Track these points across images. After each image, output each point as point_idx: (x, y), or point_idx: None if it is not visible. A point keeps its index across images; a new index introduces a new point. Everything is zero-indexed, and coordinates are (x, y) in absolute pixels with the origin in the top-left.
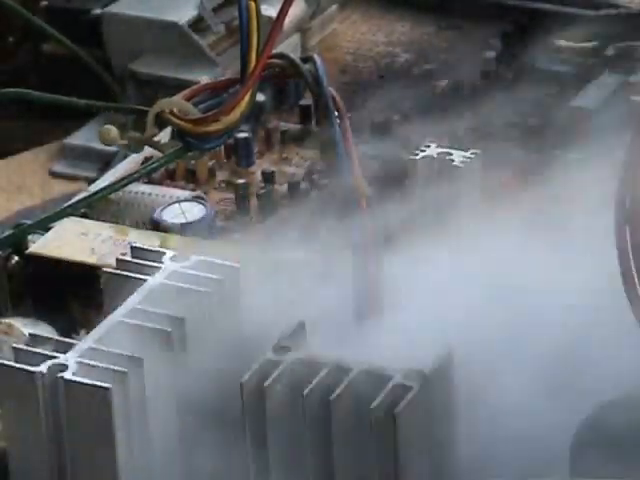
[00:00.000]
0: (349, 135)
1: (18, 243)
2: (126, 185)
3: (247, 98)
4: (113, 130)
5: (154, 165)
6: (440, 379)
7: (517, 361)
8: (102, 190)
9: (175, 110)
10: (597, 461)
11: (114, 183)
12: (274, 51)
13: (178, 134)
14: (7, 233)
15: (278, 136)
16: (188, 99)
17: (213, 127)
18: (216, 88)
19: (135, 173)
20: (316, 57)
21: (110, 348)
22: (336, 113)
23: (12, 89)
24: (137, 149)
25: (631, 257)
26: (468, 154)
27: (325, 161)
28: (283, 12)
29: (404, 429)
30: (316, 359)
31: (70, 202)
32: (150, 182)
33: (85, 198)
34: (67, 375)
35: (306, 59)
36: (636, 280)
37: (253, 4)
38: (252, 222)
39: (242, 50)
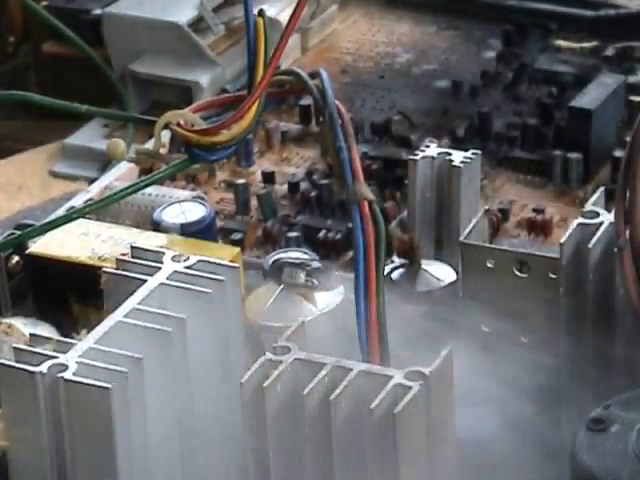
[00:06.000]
0: (353, 143)
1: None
2: (131, 194)
3: (253, 110)
4: (121, 144)
5: (158, 175)
6: (440, 379)
7: None
8: (107, 197)
9: (182, 122)
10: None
11: (119, 190)
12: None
13: (184, 146)
14: (8, 233)
15: (278, 136)
16: (195, 112)
17: (219, 138)
18: (223, 104)
19: (140, 182)
20: (322, 72)
21: (110, 348)
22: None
23: (15, 92)
24: (145, 163)
25: (631, 257)
26: (468, 154)
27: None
28: (289, 28)
29: (404, 429)
30: (316, 359)
31: (76, 208)
32: None
33: (90, 204)
34: (67, 375)
35: (313, 74)
36: (636, 281)
37: (260, 20)
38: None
39: (249, 63)
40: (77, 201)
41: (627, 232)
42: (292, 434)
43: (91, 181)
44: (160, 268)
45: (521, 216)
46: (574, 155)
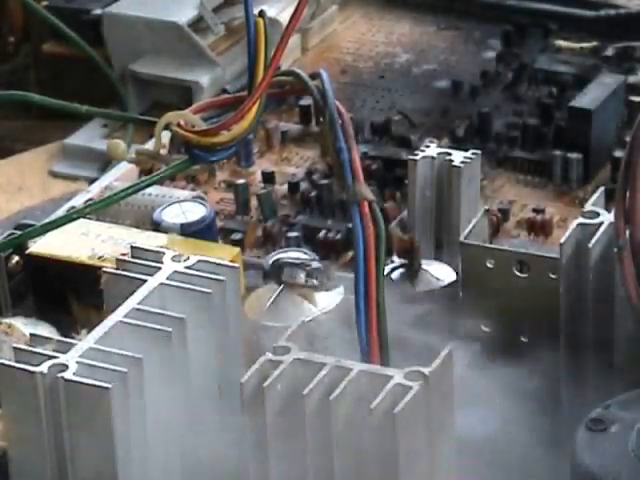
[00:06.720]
0: (353, 144)
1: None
2: (131, 194)
3: (254, 110)
4: (121, 144)
5: (159, 175)
6: (440, 379)
7: None
8: (108, 198)
9: (182, 122)
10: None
11: (119, 191)
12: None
13: (185, 146)
14: (8, 233)
15: (278, 136)
16: (195, 113)
17: (219, 139)
18: (224, 104)
19: (140, 182)
20: (323, 72)
21: (110, 348)
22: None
23: (15, 92)
24: (145, 164)
25: (631, 257)
26: (468, 154)
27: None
28: (289, 28)
29: (404, 429)
30: (316, 359)
31: (76, 208)
32: None
33: (90, 205)
34: (67, 375)
35: (313, 75)
36: (635, 281)
37: (261, 20)
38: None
39: (249, 64)
40: (77, 201)
41: (627, 232)
42: (292, 434)
43: (91, 181)
44: (160, 268)
45: (521, 216)
46: (574, 155)
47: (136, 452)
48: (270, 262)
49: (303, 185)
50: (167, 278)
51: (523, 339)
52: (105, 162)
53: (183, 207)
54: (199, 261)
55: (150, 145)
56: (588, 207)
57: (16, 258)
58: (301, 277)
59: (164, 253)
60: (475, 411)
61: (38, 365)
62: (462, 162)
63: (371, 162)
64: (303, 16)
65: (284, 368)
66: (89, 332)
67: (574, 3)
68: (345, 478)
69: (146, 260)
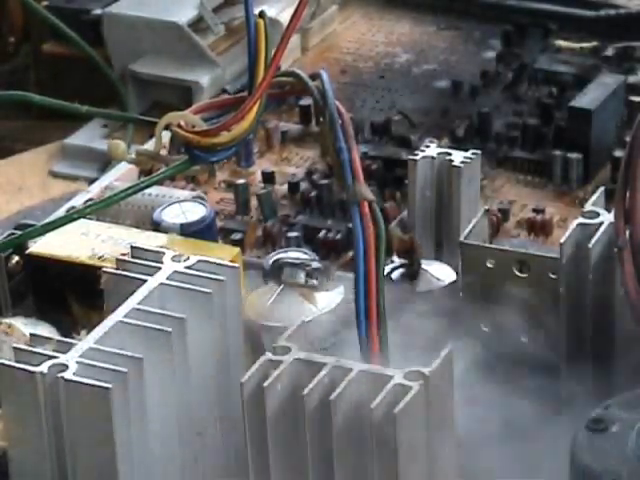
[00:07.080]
0: (353, 144)
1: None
2: (131, 195)
3: (254, 111)
4: (122, 145)
5: (159, 176)
6: (440, 379)
7: None
8: (108, 198)
9: (182, 123)
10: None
11: (119, 191)
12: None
13: (185, 147)
14: (8, 233)
15: (278, 136)
16: (195, 114)
17: (219, 139)
18: (224, 105)
19: (140, 183)
20: (323, 73)
21: (110, 348)
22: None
23: (15, 92)
24: (146, 164)
25: (631, 257)
26: (468, 154)
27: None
28: (290, 29)
29: (404, 429)
30: (316, 359)
31: (76, 208)
32: None
33: (91, 205)
34: (67, 375)
35: (313, 76)
36: (635, 281)
37: (261, 21)
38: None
39: (249, 64)
40: (77, 201)
41: (627, 232)
42: (292, 434)
43: (91, 181)
44: (160, 268)
45: (521, 216)
46: (574, 155)
47: (136, 452)
48: (270, 262)
49: (303, 185)
50: (167, 278)
51: (523, 339)
52: (105, 162)
53: (183, 207)
54: (199, 261)
55: (150, 145)
56: (588, 207)
57: (16, 258)
58: (301, 277)
59: (164, 253)
60: (475, 411)
61: (38, 365)
62: (462, 162)
63: (371, 162)
64: (303, 16)
65: (284, 368)
66: (89, 332)
67: (574, 3)
68: (345, 478)
69: (146, 260)
